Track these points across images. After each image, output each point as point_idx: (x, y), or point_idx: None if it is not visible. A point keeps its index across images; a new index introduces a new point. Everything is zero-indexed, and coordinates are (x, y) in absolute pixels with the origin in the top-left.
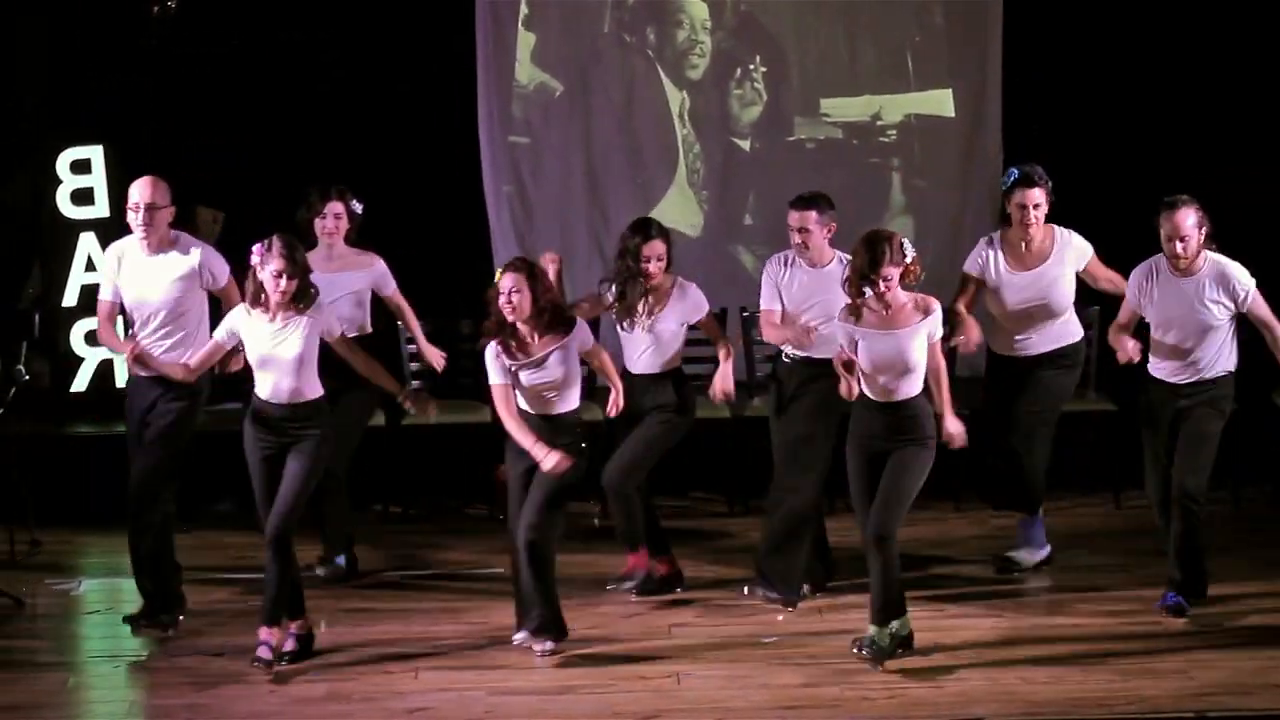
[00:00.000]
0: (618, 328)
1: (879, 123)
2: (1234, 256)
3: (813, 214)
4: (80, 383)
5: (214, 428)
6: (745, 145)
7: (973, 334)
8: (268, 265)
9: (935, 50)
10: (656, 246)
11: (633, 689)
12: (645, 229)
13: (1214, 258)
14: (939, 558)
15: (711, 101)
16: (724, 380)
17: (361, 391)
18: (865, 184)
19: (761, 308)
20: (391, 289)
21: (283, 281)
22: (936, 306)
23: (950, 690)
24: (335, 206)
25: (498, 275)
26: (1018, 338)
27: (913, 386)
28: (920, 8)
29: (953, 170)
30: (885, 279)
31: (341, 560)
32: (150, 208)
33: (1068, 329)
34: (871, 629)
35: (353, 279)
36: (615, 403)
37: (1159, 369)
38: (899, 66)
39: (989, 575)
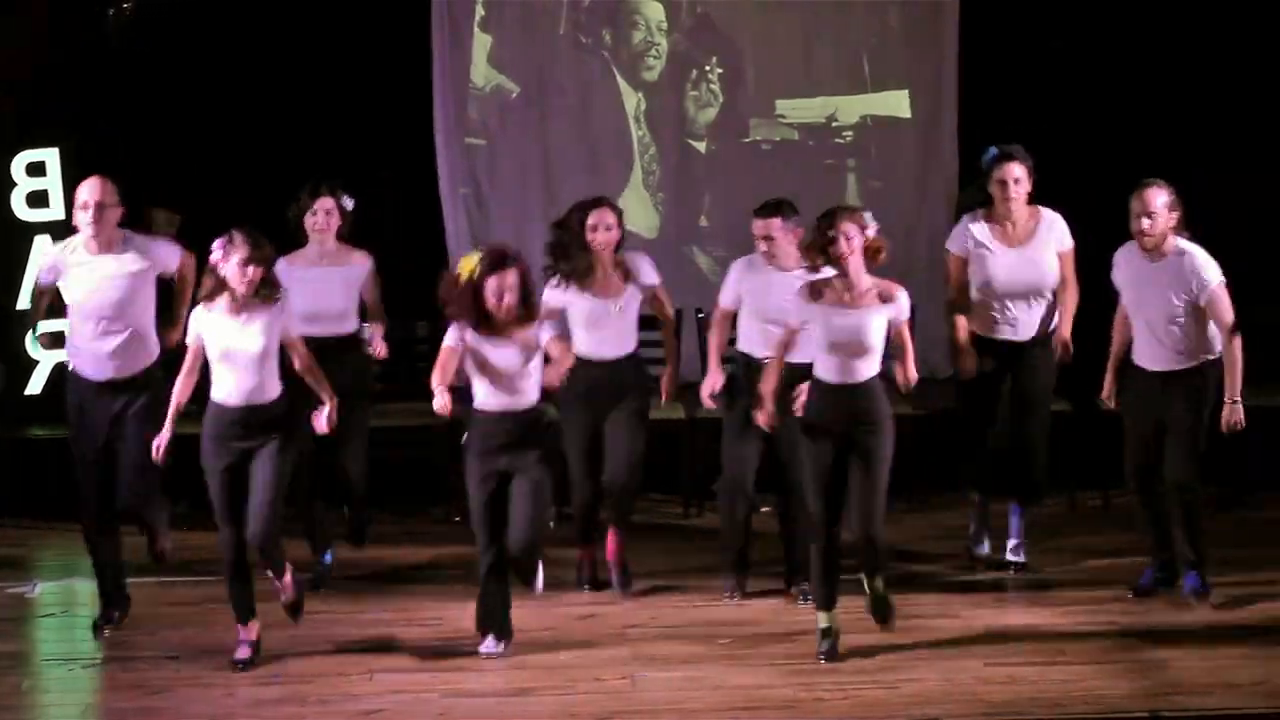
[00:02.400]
0: (570, 307)
1: (835, 124)
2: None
3: (777, 221)
4: (35, 385)
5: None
6: (701, 147)
7: (968, 363)
8: (232, 255)
9: (891, 52)
10: (606, 215)
11: (588, 690)
12: (597, 197)
13: (1184, 245)
14: (893, 555)
15: (668, 103)
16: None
17: (364, 397)
18: (821, 185)
19: (719, 305)
20: (375, 297)
21: (249, 270)
22: (902, 294)
23: (905, 691)
24: (325, 202)
25: (474, 265)
26: (1005, 318)
27: (870, 368)
28: (876, 9)
29: (909, 171)
30: (846, 235)
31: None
32: (100, 206)
33: (1052, 310)
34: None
35: (344, 274)
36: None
37: (1140, 357)
38: (855, 68)
39: (943, 574)
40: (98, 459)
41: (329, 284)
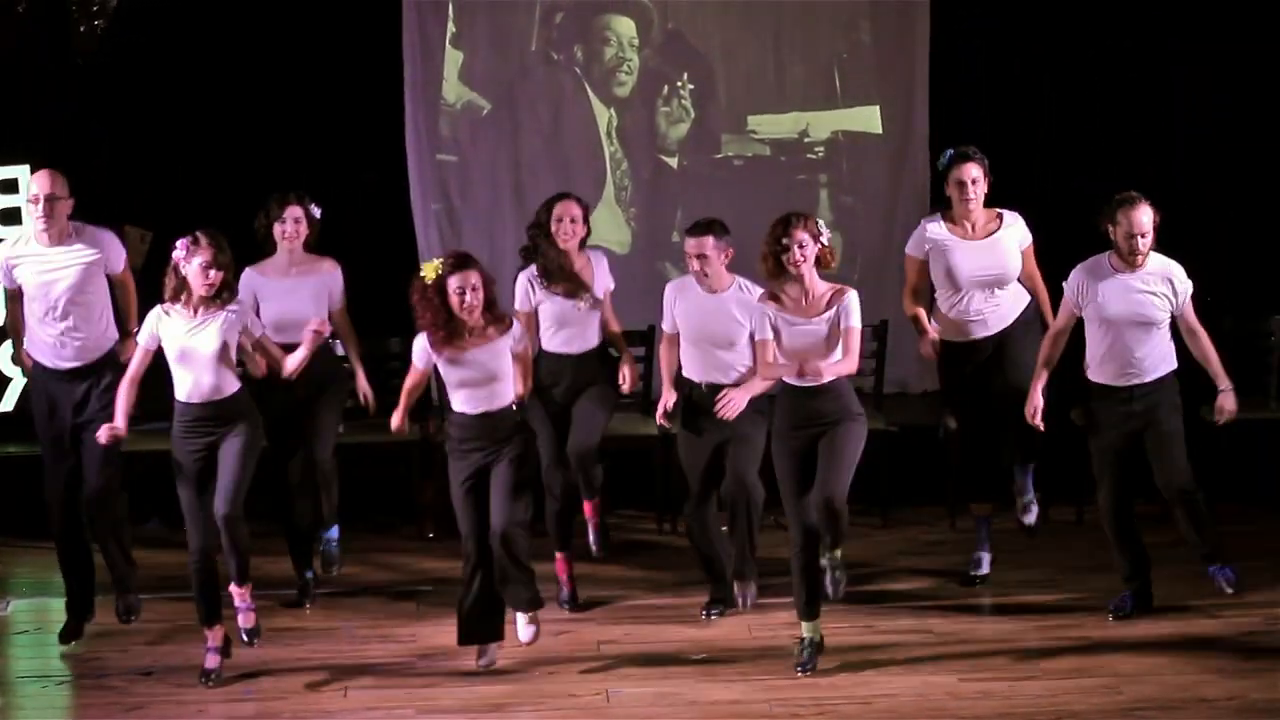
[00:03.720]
0: (540, 306)
1: (806, 139)
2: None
3: (709, 239)
4: (7, 403)
5: (140, 447)
6: (673, 163)
7: (927, 347)
8: (195, 257)
9: (862, 67)
10: (571, 207)
11: (562, 706)
12: (562, 192)
13: (1157, 255)
14: (866, 572)
15: (639, 119)
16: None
17: (336, 386)
18: (793, 201)
19: (662, 330)
20: (340, 305)
21: (211, 273)
22: (851, 293)
23: (879, 706)
24: (294, 211)
25: (436, 266)
26: (972, 316)
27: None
28: (847, 25)
29: (881, 186)
30: (800, 244)
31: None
32: (50, 199)
33: (1019, 298)
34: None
35: (314, 283)
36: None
37: (1107, 375)
38: (826, 83)
39: (916, 588)
40: (65, 452)
41: (299, 292)
